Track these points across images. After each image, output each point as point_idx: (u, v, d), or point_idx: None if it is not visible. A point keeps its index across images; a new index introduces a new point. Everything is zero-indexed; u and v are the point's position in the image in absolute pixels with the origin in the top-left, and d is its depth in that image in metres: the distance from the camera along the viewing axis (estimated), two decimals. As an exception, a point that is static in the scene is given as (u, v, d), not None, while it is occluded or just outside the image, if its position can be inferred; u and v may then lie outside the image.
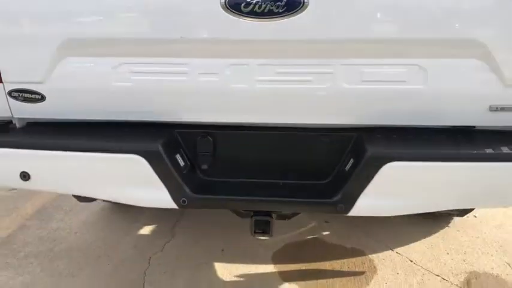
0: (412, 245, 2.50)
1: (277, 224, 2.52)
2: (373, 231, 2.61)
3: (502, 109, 1.48)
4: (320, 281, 2.21)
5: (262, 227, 1.65)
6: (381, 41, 1.42)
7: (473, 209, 2.48)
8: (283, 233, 2.59)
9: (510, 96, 1.46)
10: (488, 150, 1.43)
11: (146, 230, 2.72)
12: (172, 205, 1.58)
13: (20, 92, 1.61)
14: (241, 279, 2.25)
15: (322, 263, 2.35)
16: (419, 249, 2.46)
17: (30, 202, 3.09)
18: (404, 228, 2.65)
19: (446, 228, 2.67)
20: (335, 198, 1.51)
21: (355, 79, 1.48)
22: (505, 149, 1.44)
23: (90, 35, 1.50)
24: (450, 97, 1.48)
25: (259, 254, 2.42)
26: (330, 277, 2.24)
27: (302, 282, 2.20)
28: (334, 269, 2.30)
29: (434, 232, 2.63)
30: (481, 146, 1.45)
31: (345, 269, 2.31)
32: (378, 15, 1.41)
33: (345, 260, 2.37)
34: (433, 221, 2.69)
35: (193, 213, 2.83)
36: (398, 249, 2.46)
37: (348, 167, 1.54)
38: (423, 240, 2.54)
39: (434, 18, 1.39)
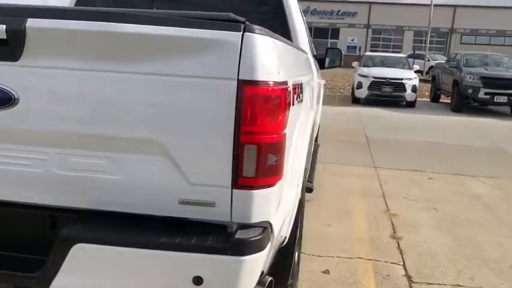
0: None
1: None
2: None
3: (188, 203, 1.66)
4: None
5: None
6: (80, 135, 1.65)
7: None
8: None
9: (193, 192, 1.64)
10: (162, 239, 1.60)
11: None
12: None
13: None
14: None
15: None
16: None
17: None
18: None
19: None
20: (37, 274, 1.65)
21: (65, 166, 1.69)
22: (178, 240, 1.60)
23: None
24: (145, 189, 1.67)
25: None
26: None
27: None
28: None
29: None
30: (160, 235, 1.61)
31: None
32: (76, 114, 1.64)
33: None
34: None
35: None
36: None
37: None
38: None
39: (123, 119, 1.62)
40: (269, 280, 2.03)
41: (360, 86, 13.91)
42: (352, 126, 9.79)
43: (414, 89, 13.73)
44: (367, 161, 6.62)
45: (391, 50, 37.12)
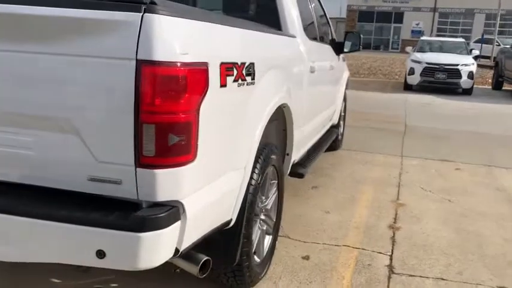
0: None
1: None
2: None
3: (96, 179, 1.72)
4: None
5: None
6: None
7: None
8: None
9: (101, 169, 1.70)
10: (65, 213, 1.67)
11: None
12: None
13: None
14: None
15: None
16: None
17: None
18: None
19: None
20: (-35, 238, 1.80)
21: (-14, 142, 1.81)
22: (79, 214, 1.67)
23: None
24: (57, 164, 1.75)
25: None
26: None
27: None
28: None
29: None
30: (65, 209, 1.69)
31: None
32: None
33: None
34: None
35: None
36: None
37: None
38: None
39: (30, 98, 1.71)
40: (204, 259, 2.06)
41: (412, 72, 13.37)
42: (394, 114, 9.45)
43: (471, 75, 12.97)
44: (395, 150, 6.39)
45: (459, 34, 35.05)
